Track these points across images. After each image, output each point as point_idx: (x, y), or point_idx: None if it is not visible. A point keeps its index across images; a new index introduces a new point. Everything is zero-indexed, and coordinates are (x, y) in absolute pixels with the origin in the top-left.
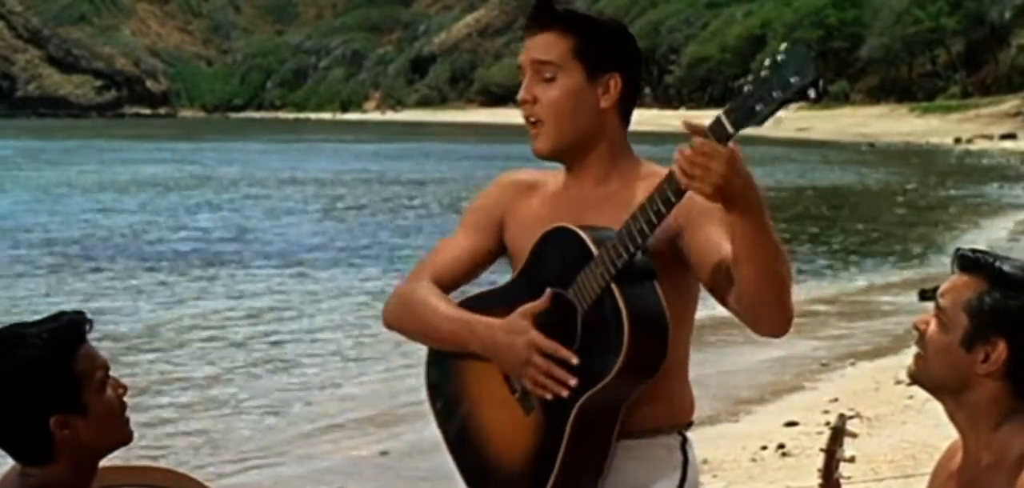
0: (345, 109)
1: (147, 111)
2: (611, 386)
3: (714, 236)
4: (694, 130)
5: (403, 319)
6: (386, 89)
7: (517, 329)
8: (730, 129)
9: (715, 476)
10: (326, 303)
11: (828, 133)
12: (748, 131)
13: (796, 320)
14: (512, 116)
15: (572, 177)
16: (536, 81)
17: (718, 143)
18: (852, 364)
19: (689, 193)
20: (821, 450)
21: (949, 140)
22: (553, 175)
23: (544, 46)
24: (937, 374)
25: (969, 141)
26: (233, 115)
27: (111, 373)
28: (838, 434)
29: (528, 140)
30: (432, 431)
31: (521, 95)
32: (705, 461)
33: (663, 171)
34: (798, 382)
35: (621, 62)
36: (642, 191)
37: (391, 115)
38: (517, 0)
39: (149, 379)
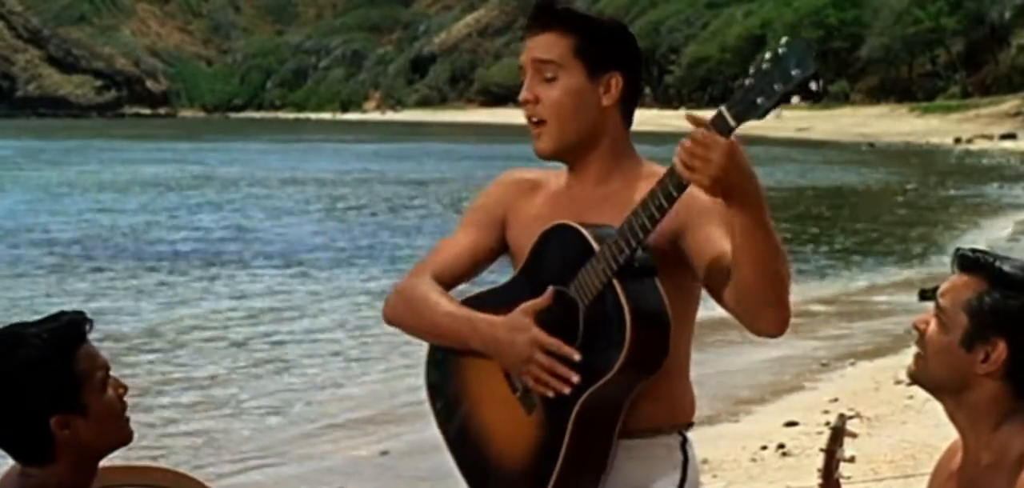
0: (345, 109)
1: (147, 111)
2: (614, 382)
3: (714, 235)
4: (696, 123)
5: (404, 315)
6: (386, 89)
7: (519, 326)
8: (732, 122)
9: (715, 476)
10: (326, 303)
11: (828, 133)
12: (749, 131)
13: (796, 320)
14: (512, 116)
15: (574, 176)
16: (538, 81)
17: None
18: (852, 364)
19: (692, 193)
20: (821, 450)
21: (949, 140)
22: (555, 174)
23: (545, 46)
24: (937, 374)
25: (969, 141)
26: (233, 115)
27: (111, 373)
28: (838, 434)
29: (528, 140)
30: (432, 431)
31: (523, 95)
32: (705, 461)
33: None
34: (798, 382)
35: (622, 61)
36: (644, 190)
37: (391, 115)
38: (517, 0)
39: (149, 379)
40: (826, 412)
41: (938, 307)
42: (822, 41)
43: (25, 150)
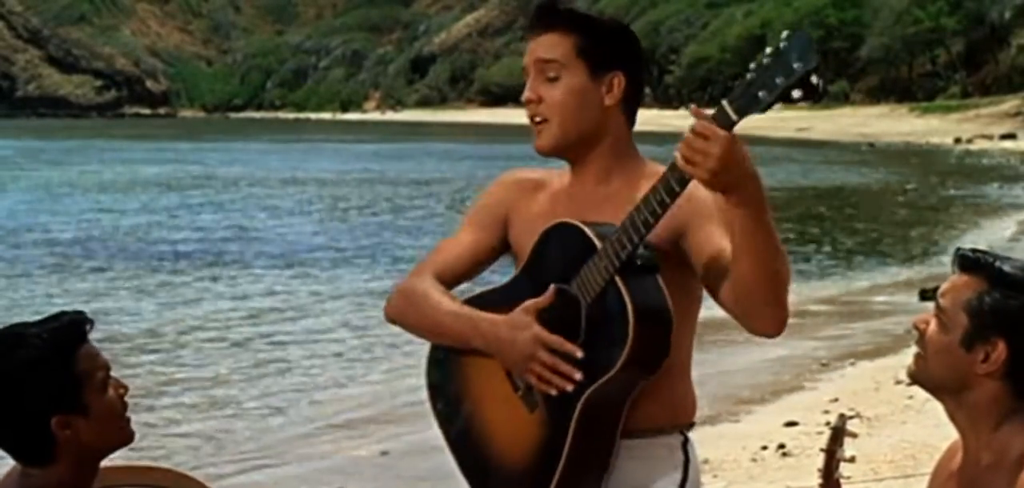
0: (345, 109)
1: (147, 111)
2: (616, 379)
3: (714, 233)
4: (699, 116)
5: (405, 314)
6: (386, 89)
7: (520, 324)
8: (733, 116)
9: (715, 476)
10: (327, 303)
11: (828, 133)
12: (749, 132)
13: (796, 320)
14: (512, 116)
15: (576, 175)
16: (540, 81)
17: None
18: (852, 364)
19: (694, 194)
20: (821, 450)
21: (949, 140)
22: (557, 174)
23: (547, 46)
24: (937, 374)
25: (969, 141)
26: (233, 115)
27: (112, 373)
28: (838, 434)
29: (529, 140)
30: (432, 431)
31: (526, 95)
32: (705, 461)
33: None
34: (798, 382)
35: (624, 61)
36: (646, 189)
37: (391, 115)
38: (517, 0)
39: (150, 380)
40: (826, 412)
41: (938, 307)
42: (822, 41)
43: (25, 150)
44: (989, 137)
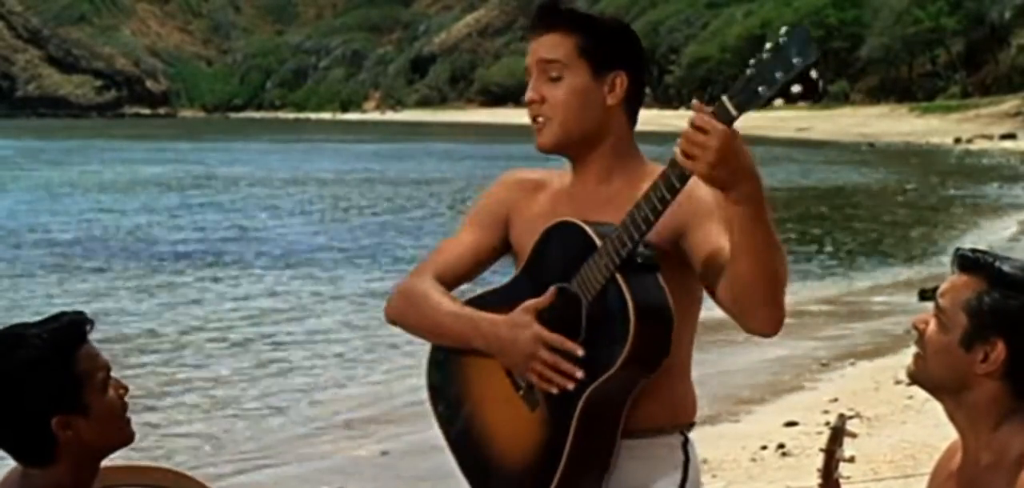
0: (345, 109)
1: (147, 111)
2: (617, 377)
3: (714, 232)
4: (700, 111)
5: (406, 314)
6: (386, 89)
7: (521, 323)
8: (733, 112)
9: (715, 476)
10: (328, 303)
11: (828, 133)
12: (749, 132)
13: (796, 320)
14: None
15: (577, 175)
16: (543, 81)
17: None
18: (852, 364)
19: (695, 194)
20: (821, 450)
21: (949, 140)
22: (557, 174)
23: (550, 46)
24: (936, 374)
25: (969, 141)
26: (233, 115)
27: (112, 374)
28: (838, 434)
29: (529, 140)
30: (433, 431)
31: (528, 95)
32: (705, 461)
33: None
34: (798, 382)
35: (626, 60)
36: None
37: (391, 115)
38: (517, 0)
39: (150, 380)
40: (826, 412)
41: (938, 307)
42: (822, 41)
43: (25, 150)
44: (989, 137)
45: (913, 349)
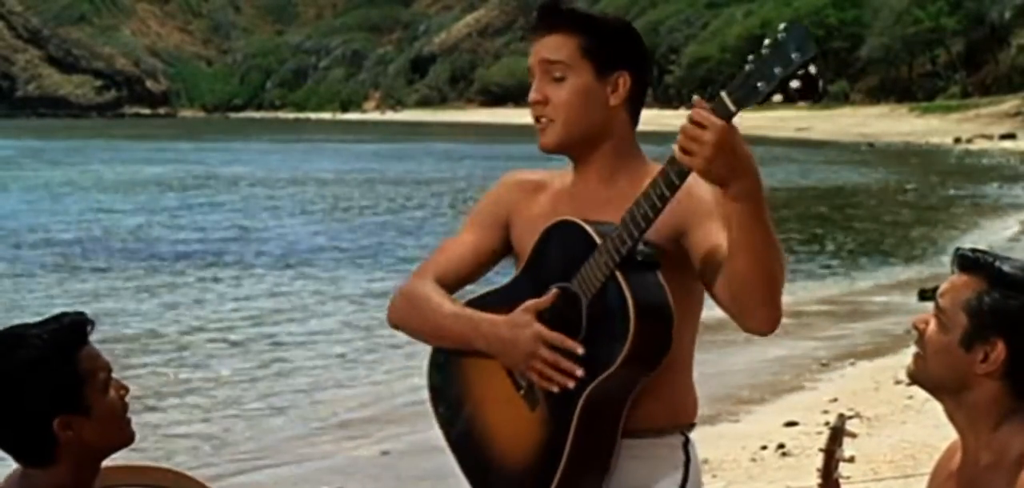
0: (345, 109)
1: (147, 111)
2: (617, 375)
3: (714, 230)
4: (699, 106)
5: (408, 318)
6: (386, 89)
7: (520, 323)
8: (732, 107)
9: (715, 476)
10: (328, 304)
11: (828, 133)
12: (749, 131)
13: (796, 320)
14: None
15: (578, 175)
16: (546, 81)
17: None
18: (852, 364)
19: (696, 193)
20: (821, 450)
21: (949, 140)
22: (559, 175)
23: (553, 46)
24: (936, 374)
25: (969, 141)
26: (233, 115)
27: (112, 374)
28: (837, 434)
29: (529, 140)
30: (433, 431)
31: (532, 96)
32: (705, 461)
33: None
34: (798, 382)
35: (629, 60)
36: None
37: (391, 115)
38: (517, 0)
39: (150, 380)
40: (826, 412)
41: (938, 307)
42: (822, 41)
43: (26, 150)
44: (989, 137)
45: (913, 349)
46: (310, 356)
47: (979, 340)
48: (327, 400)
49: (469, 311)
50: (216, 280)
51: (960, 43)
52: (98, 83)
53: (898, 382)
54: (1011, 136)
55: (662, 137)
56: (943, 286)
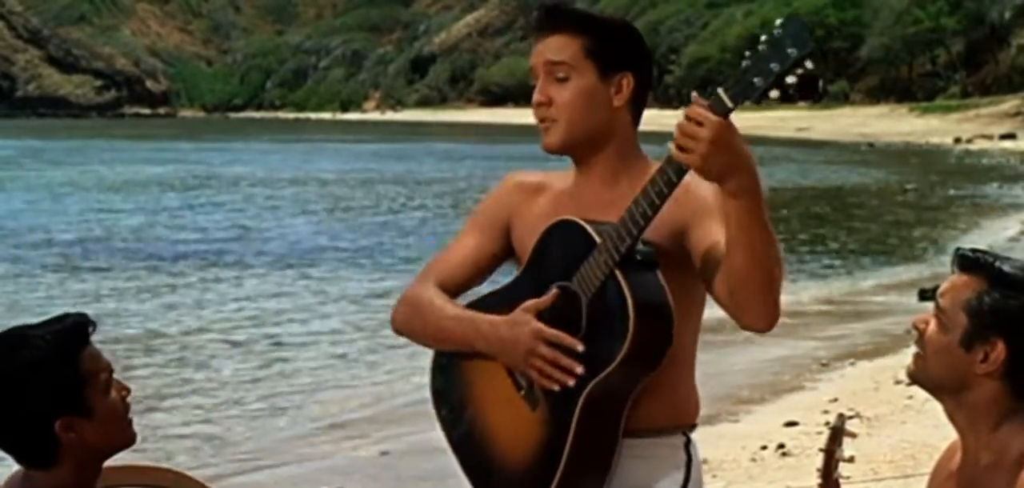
0: (345, 109)
1: (147, 111)
2: (617, 373)
3: (713, 228)
4: (696, 103)
5: (411, 324)
6: (386, 89)
7: (521, 322)
8: (729, 103)
9: (715, 476)
10: (328, 304)
11: (828, 133)
12: (749, 131)
13: (796, 320)
14: (512, 116)
15: (581, 176)
16: (550, 82)
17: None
18: (852, 364)
19: (696, 192)
20: (821, 450)
21: (949, 140)
22: (559, 176)
23: (556, 47)
24: (936, 374)
25: (969, 141)
26: (233, 115)
27: (114, 375)
28: (837, 434)
29: (529, 140)
30: (433, 432)
31: (536, 98)
32: (705, 461)
33: None
34: (798, 382)
35: (632, 61)
36: None
37: (391, 115)
38: (517, 0)
39: (151, 381)
40: (826, 412)
41: (938, 307)
42: (822, 41)
43: (26, 150)
44: (989, 137)
45: (913, 349)
46: (311, 356)
47: (979, 340)
48: (328, 400)
49: (470, 313)
50: (217, 280)
51: (960, 43)
52: (98, 83)
53: (898, 382)
54: (1011, 136)
55: (662, 137)
56: (943, 286)
